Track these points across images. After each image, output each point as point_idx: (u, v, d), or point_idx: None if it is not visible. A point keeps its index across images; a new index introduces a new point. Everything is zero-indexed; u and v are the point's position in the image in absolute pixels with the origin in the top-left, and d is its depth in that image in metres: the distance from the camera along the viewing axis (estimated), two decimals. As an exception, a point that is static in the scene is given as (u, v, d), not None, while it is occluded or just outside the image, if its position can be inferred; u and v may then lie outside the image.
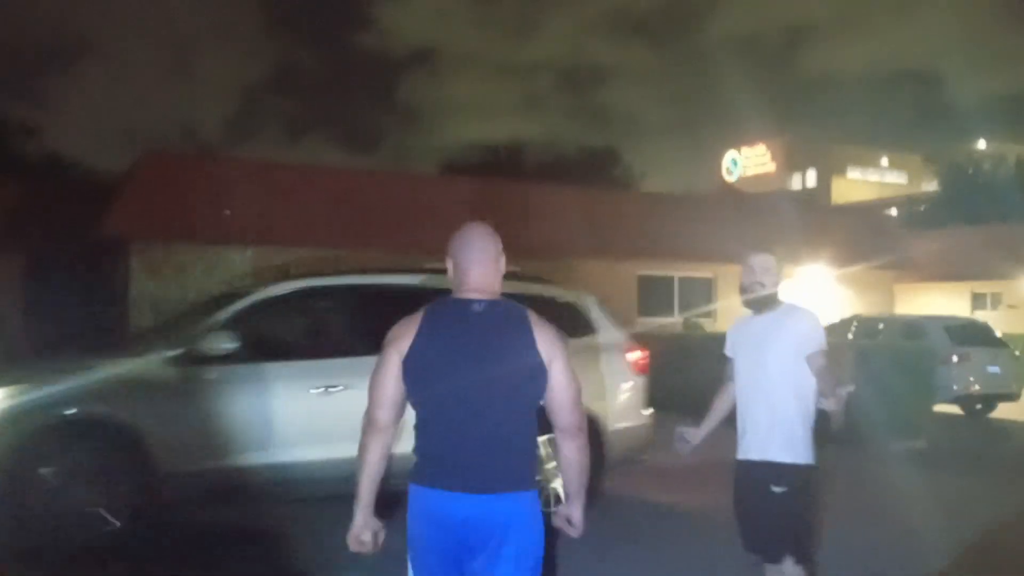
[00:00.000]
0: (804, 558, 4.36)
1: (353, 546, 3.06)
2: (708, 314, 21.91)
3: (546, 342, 2.99)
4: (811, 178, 79.21)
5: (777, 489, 4.18)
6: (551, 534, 3.11)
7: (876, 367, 11.95)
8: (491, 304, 3.05)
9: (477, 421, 2.96)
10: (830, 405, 4.03)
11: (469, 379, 2.96)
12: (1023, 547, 7.28)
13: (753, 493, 4.34)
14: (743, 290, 4.47)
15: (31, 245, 18.68)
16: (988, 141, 69.00)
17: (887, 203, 61.77)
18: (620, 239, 20.93)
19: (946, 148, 70.19)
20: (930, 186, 62.38)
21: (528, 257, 19.23)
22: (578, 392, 3.05)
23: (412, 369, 2.99)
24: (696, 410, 13.27)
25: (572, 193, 22.59)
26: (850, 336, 16.89)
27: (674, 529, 7.45)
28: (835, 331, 17.20)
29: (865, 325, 17.33)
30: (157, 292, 16.58)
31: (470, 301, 3.05)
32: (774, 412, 4.32)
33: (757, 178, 76.25)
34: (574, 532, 3.15)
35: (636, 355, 8.22)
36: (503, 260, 3.16)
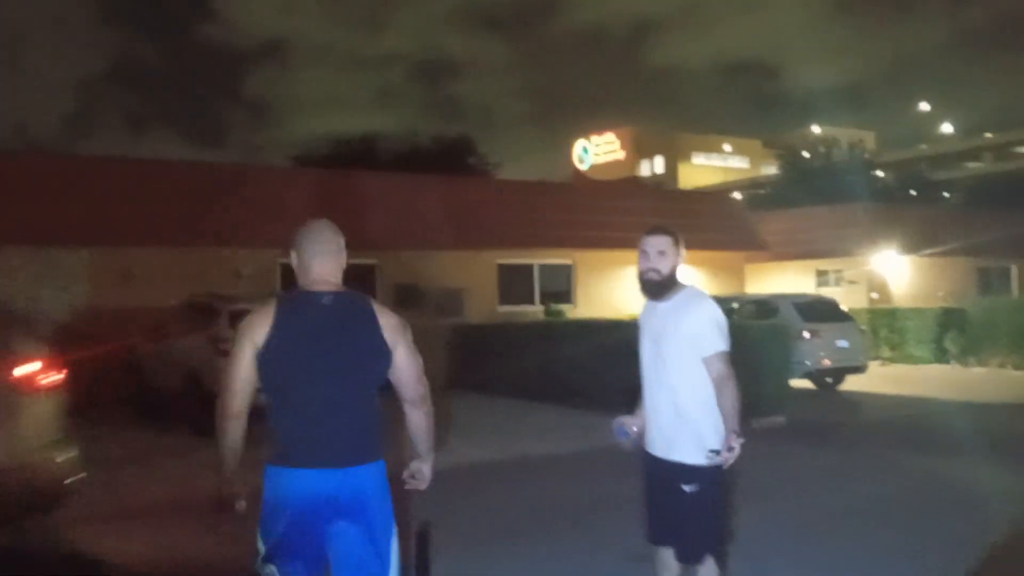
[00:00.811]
0: (720, 554, 4.26)
1: (218, 509, 3.29)
2: (568, 300, 21.96)
3: (390, 328, 3.40)
4: (659, 164, 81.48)
5: (688, 488, 4.05)
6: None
7: (733, 345, 12.35)
8: (337, 296, 3.41)
9: (332, 403, 3.30)
10: (722, 448, 3.95)
11: (323, 366, 3.29)
12: (887, 512, 7.45)
13: (663, 490, 4.20)
14: (639, 276, 4.23)
15: None
16: (821, 126, 72.50)
17: (731, 187, 64.12)
18: (479, 228, 20.71)
19: (783, 134, 73.58)
20: (770, 169, 65.00)
21: (384, 248, 19.02)
22: (420, 368, 3.49)
23: (269, 360, 3.29)
24: (561, 396, 13.10)
25: (428, 182, 22.22)
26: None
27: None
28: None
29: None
30: (-22, 298, 15.30)
31: (319, 293, 3.40)
32: (678, 411, 4.14)
33: (607, 165, 77.84)
34: (421, 485, 3.64)
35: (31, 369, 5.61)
36: (344, 254, 3.51)
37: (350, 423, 3.34)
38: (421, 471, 3.63)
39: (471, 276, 20.27)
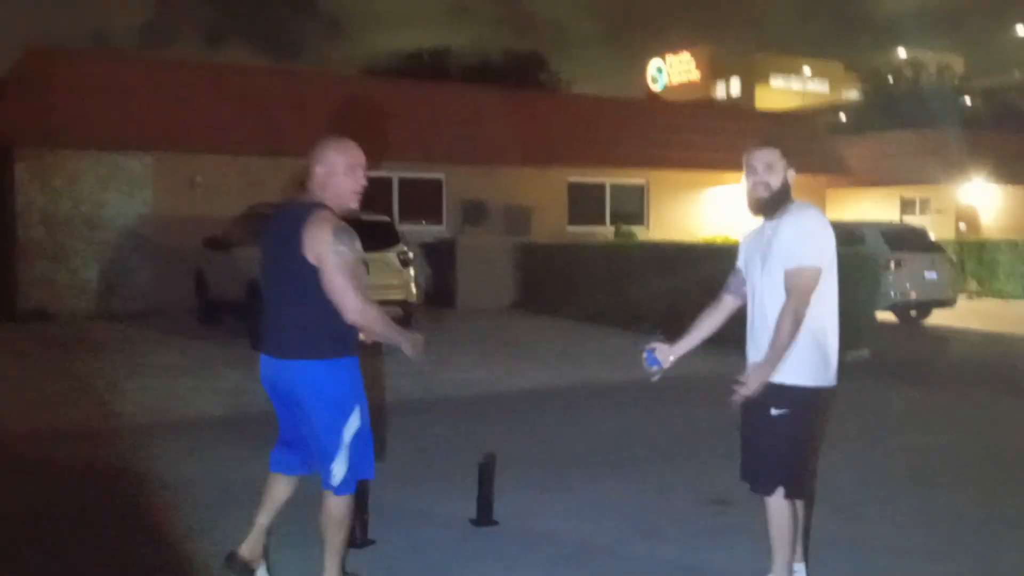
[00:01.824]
0: (795, 492, 3.85)
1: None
2: (639, 222, 21.24)
3: (311, 241, 3.66)
4: (735, 87, 79.05)
5: (776, 412, 3.77)
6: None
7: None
8: (296, 208, 3.81)
9: (275, 304, 3.87)
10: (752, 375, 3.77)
11: (269, 272, 3.91)
12: (984, 457, 6.84)
13: (753, 414, 3.88)
14: (747, 193, 3.91)
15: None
16: (907, 49, 69.34)
17: (811, 112, 61.89)
18: (549, 145, 20.01)
19: (867, 57, 70.63)
20: (851, 95, 62.52)
21: (451, 162, 18.50)
22: (344, 286, 3.66)
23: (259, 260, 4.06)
24: (629, 321, 12.29)
25: (498, 96, 21.49)
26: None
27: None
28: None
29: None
30: (47, 203, 15.17)
31: (285, 205, 4.01)
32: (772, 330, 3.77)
33: (682, 87, 75.76)
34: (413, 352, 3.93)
35: None
36: (314, 167, 3.79)
37: (288, 323, 3.79)
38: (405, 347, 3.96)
39: (540, 194, 19.65)
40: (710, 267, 12.47)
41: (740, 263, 4.12)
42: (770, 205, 3.83)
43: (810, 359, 3.75)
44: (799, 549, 4.10)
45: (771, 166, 3.81)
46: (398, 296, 11.86)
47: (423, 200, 18.60)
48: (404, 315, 11.97)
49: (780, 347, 3.68)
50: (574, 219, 20.41)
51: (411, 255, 12.28)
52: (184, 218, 15.55)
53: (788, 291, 3.69)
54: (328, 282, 3.66)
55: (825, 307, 3.78)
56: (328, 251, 3.64)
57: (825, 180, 23.97)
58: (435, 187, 18.79)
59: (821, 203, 24.01)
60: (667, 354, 4.11)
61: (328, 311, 3.71)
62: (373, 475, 4.02)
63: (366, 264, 4.05)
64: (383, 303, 11.58)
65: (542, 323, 14.73)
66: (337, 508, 3.88)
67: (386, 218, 12.86)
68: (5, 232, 15.23)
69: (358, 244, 3.77)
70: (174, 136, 16.05)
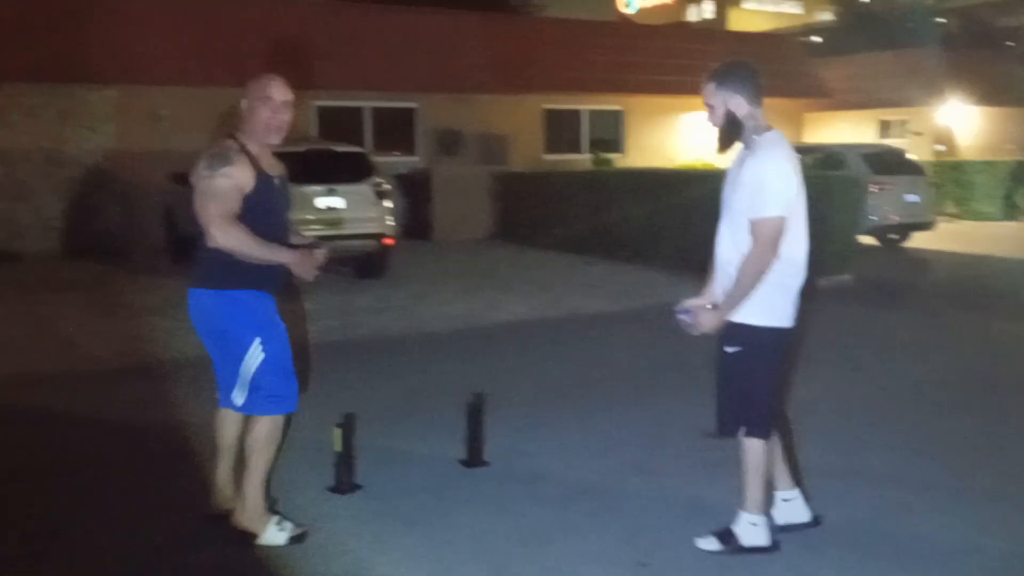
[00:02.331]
0: (756, 431, 3.80)
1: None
2: (617, 149, 20.91)
3: (194, 168, 3.80)
4: (708, 10, 77.82)
5: (730, 350, 3.78)
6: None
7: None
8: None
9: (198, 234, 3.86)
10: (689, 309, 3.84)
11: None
12: (972, 380, 6.75)
13: (718, 355, 3.89)
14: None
15: None
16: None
17: (785, 33, 61.06)
18: (523, 71, 19.53)
19: (842, -24, 69.46)
20: (825, 16, 61.71)
21: (424, 91, 18.02)
22: (202, 210, 3.71)
23: None
24: (609, 249, 12.04)
25: (469, 20, 20.85)
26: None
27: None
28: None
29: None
30: (4, 140, 14.62)
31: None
32: (734, 268, 3.77)
33: (654, 10, 74.42)
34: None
35: None
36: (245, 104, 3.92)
37: (198, 254, 3.90)
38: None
39: (515, 122, 19.24)
40: (688, 192, 12.31)
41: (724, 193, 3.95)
42: (722, 137, 3.78)
43: (766, 299, 3.69)
44: (786, 476, 4.08)
45: (709, 103, 3.78)
46: (374, 230, 11.57)
47: (396, 130, 18.15)
48: (381, 249, 11.71)
49: (739, 296, 3.66)
50: (551, 147, 20.04)
51: (387, 187, 11.95)
52: (150, 153, 15.05)
53: (754, 240, 3.62)
54: (196, 208, 3.74)
55: (787, 248, 3.66)
56: (197, 176, 3.74)
57: (803, 104, 23.67)
58: (408, 116, 18.33)
59: (797, 127, 23.77)
60: (702, 307, 3.87)
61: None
62: (294, 408, 4.03)
63: (286, 195, 4.08)
64: (358, 237, 11.56)
65: (522, 253, 14.51)
66: (258, 429, 3.93)
67: (360, 149, 12.48)
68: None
69: (237, 170, 3.75)
70: (136, 67, 15.45)
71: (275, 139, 3.92)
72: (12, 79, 14.55)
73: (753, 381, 3.76)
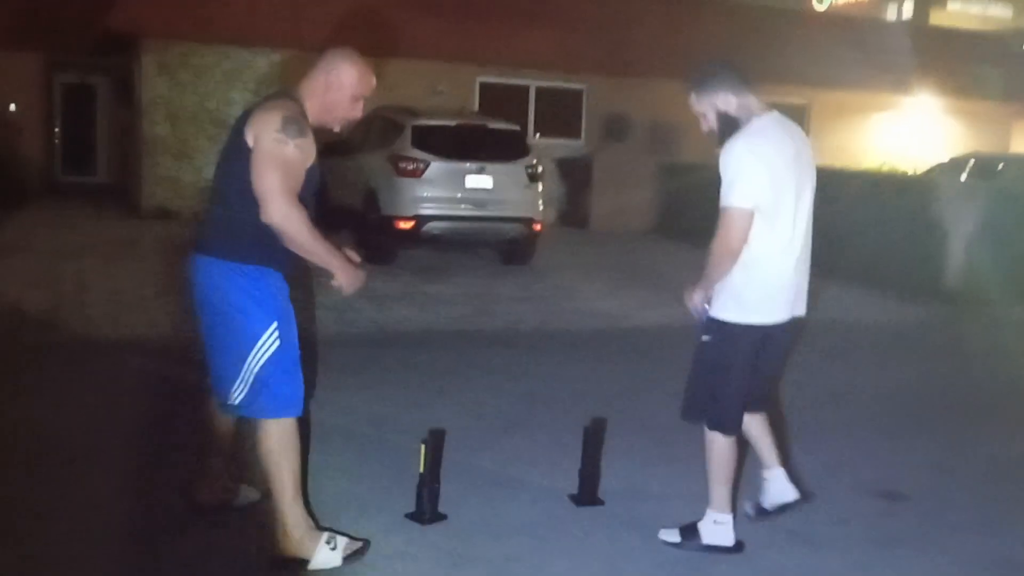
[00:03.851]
0: (719, 425, 3.69)
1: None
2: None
3: (257, 120, 3.23)
4: (908, 9, 73.45)
5: (704, 337, 3.72)
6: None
7: (997, 215, 10.23)
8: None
9: (212, 194, 3.45)
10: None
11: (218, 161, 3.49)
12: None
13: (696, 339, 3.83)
14: None
15: (48, 42, 16.80)
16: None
17: (994, 35, 56.62)
18: (703, 57, 18.32)
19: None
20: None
21: (594, 72, 17.16)
22: (268, 175, 3.15)
23: None
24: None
25: (651, 2, 19.82)
26: (964, 177, 14.49)
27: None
28: (946, 171, 14.88)
29: (983, 164, 14.87)
30: (173, 98, 14.72)
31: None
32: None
33: (849, 6, 70.93)
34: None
35: None
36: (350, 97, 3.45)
37: (212, 215, 3.39)
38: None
39: (690, 112, 17.94)
40: (882, 198, 11.05)
41: None
42: (722, 138, 3.59)
43: (736, 294, 3.58)
44: (771, 455, 3.95)
45: (699, 112, 3.69)
46: (523, 213, 10.85)
47: (561, 112, 17.37)
48: (529, 234, 11.00)
49: (706, 282, 3.62)
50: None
51: (540, 169, 11.21)
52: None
53: (718, 228, 3.51)
54: (255, 170, 3.17)
55: (766, 246, 3.51)
56: (267, 136, 3.17)
57: (1013, 109, 21.40)
58: (576, 98, 17.51)
59: (1006, 134, 21.54)
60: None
61: (254, 206, 3.22)
62: (299, 413, 3.38)
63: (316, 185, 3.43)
64: (506, 220, 10.89)
65: (683, 251, 13.40)
66: (266, 439, 3.32)
67: (515, 127, 11.76)
68: (131, 128, 14.88)
69: (308, 143, 3.24)
70: (303, 34, 15.25)
71: (336, 129, 3.54)
72: (183, 38, 14.60)
73: (722, 375, 3.65)
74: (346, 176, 12.10)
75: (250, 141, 3.21)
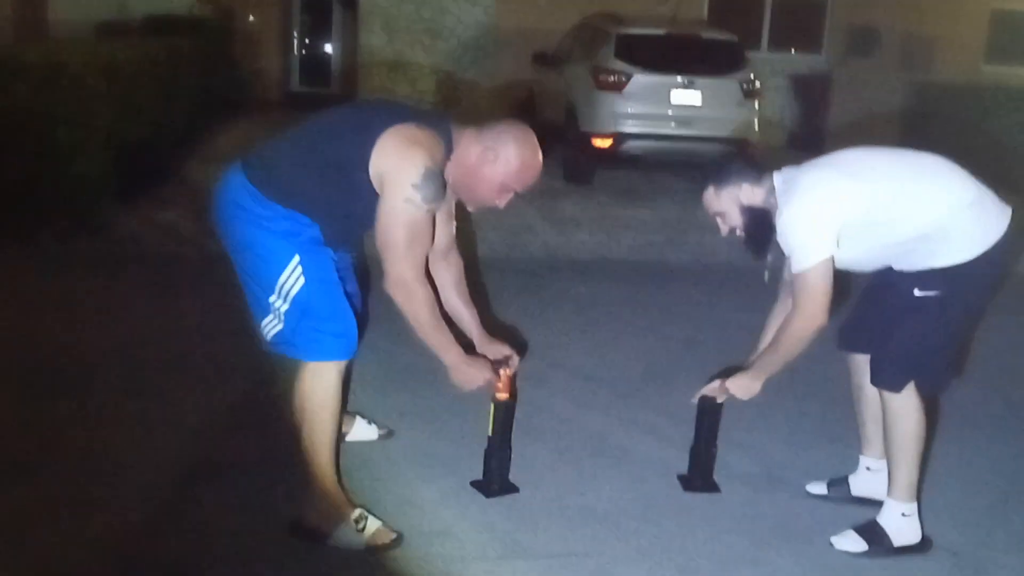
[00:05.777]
0: (931, 386, 3.17)
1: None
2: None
3: (391, 153, 2.72)
4: None
5: (919, 292, 2.95)
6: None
7: None
8: (425, 115, 2.98)
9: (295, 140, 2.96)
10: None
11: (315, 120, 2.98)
12: None
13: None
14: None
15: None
16: None
17: None
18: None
19: None
20: None
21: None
22: (398, 238, 2.70)
23: None
24: None
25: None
26: None
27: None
28: None
29: None
30: (389, 6, 14.51)
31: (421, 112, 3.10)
32: None
33: None
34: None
35: None
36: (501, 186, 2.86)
37: (280, 154, 2.89)
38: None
39: (950, 21, 15.85)
40: None
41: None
42: (754, 240, 3.15)
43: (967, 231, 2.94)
44: (877, 443, 3.21)
45: (715, 212, 3.17)
46: (734, 133, 9.79)
47: (801, 24, 15.75)
48: (743, 155, 9.94)
49: (774, 366, 3.05)
50: (994, 56, 16.40)
51: (757, 85, 10.06)
52: (526, 30, 14.20)
53: (795, 299, 2.94)
54: (382, 225, 2.71)
55: (912, 219, 2.93)
56: (401, 187, 2.67)
57: None
58: (817, 8, 15.81)
59: None
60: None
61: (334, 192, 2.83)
62: (349, 353, 2.88)
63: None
64: (714, 140, 9.90)
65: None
66: (299, 388, 2.86)
67: (732, 37, 10.56)
68: (348, 37, 14.85)
69: (437, 207, 2.80)
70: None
71: (469, 209, 3.04)
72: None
73: (944, 329, 3.00)
74: (551, 89, 11.47)
75: (375, 164, 2.72)
